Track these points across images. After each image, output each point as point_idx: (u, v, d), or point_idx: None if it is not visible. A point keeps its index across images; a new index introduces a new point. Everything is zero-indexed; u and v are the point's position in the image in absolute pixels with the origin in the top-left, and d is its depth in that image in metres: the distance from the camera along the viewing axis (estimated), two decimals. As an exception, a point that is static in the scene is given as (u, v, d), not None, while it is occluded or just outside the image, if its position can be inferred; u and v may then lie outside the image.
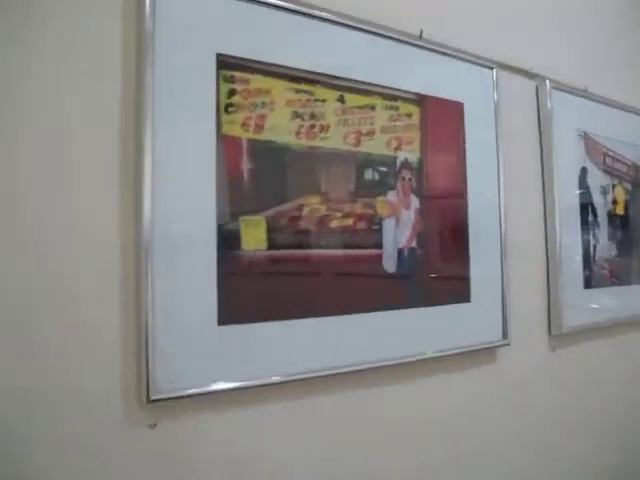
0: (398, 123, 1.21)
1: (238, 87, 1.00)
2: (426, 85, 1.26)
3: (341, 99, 1.12)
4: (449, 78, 1.31)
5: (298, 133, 1.06)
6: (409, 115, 1.23)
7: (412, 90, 1.23)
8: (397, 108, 1.21)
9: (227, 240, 0.97)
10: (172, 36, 0.93)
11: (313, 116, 1.08)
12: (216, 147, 0.96)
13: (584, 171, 1.69)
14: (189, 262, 0.92)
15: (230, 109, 0.98)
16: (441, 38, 1.30)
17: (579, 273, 1.64)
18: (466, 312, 1.30)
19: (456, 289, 1.30)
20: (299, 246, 1.05)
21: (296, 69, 1.06)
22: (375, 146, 1.17)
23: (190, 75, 0.94)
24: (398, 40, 1.22)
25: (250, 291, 0.99)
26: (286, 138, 1.05)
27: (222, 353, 0.95)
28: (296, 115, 1.06)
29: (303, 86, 1.07)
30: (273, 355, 1.00)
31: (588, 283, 1.66)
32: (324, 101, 1.10)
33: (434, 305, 1.24)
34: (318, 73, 1.09)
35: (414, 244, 1.22)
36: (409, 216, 1.21)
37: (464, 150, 1.32)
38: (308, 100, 1.08)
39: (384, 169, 1.19)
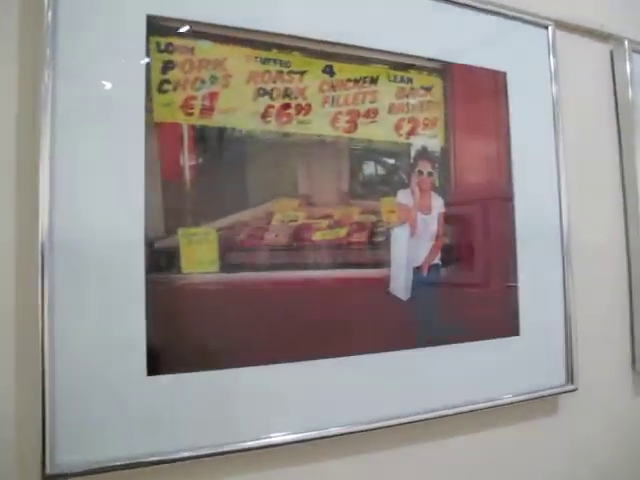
0: (411, 100, 0.91)
1: (177, 58, 0.75)
2: (452, 49, 0.95)
3: (329, 70, 0.85)
4: (485, 40, 1.00)
5: (265, 116, 0.79)
6: (427, 89, 0.93)
7: (431, 56, 0.93)
8: (409, 80, 0.91)
9: (161, 261, 0.72)
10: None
11: (288, 93, 0.81)
12: (145, 138, 0.71)
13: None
14: (105, 291, 0.68)
15: (165, 87, 0.74)
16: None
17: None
18: (514, 348, 0.98)
19: (499, 319, 0.98)
20: (266, 267, 0.79)
21: (262, 32, 0.80)
22: (378, 131, 0.88)
23: (108, 45, 0.70)
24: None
25: (194, 329, 0.74)
26: (248, 123, 0.78)
27: (152, 412, 0.70)
28: (262, 92, 0.80)
29: (273, 54, 0.81)
30: (226, 413, 0.74)
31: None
32: (304, 73, 0.83)
33: (468, 341, 0.93)
34: (296, 37, 0.82)
35: (437, 260, 0.91)
36: (430, 223, 0.91)
37: (508, 134, 1.00)
38: (280, 72, 0.81)
39: (392, 161, 0.90)
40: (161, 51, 0.74)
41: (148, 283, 0.70)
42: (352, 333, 0.84)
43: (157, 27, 0.74)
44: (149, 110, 0.72)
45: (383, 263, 0.86)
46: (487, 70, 0.99)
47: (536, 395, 0.98)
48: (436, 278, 0.91)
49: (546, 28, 1.05)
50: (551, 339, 1.02)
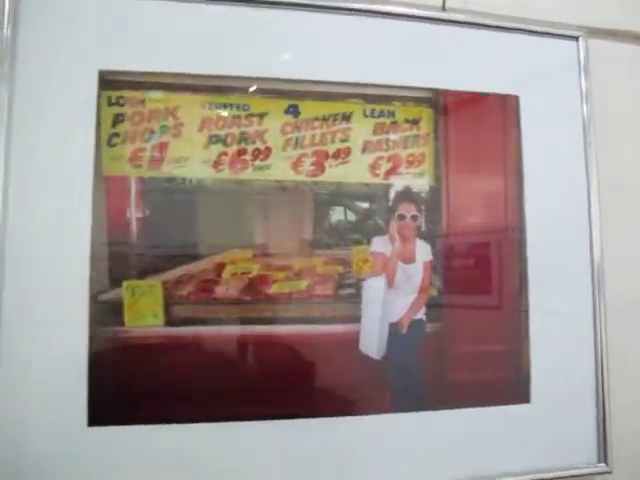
0: (392, 136, 0.82)
1: (128, 111, 0.75)
2: (446, 75, 0.84)
3: (293, 110, 0.79)
4: (490, 61, 0.87)
5: (217, 164, 0.76)
6: (414, 122, 0.83)
7: (420, 85, 0.83)
8: (391, 114, 0.82)
9: (104, 314, 0.72)
10: (36, 52, 0.72)
11: (244, 138, 0.77)
12: (92, 193, 0.72)
13: None
14: (48, 343, 0.70)
15: (114, 141, 0.74)
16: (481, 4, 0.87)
17: None
18: (522, 418, 0.83)
19: (502, 382, 0.84)
20: (215, 322, 0.76)
21: (217, 77, 0.77)
22: (350, 172, 0.80)
23: (59, 103, 0.72)
24: (398, 16, 0.83)
25: (138, 382, 0.73)
26: (198, 172, 0.76)
27: (91, 466, 0.70)
28: (215, 139, 0.77)
29: (230, 98, 0.78)
30: (169, 471, 0.72)
31: None
32: (264, 115, 0.78)
33: (457, 408, 0.81)
34: (256, 78, 0.78)
35: (421, 315, 0.81)
36: (413, 273, 0.81)
37: (520, 166, 0.86)
38: (237, 117, 0.77)
39: (365, 205, 0.82)
40: (112, 104, 0.74)
41: (91, 335, 0.71)
42: (315, 394, 0.77)
43: (108, 82, 0.74)
44: (98, 164, 0.73)
45: (352, 318, 0.79)
46: (493, 95, 0.86)
47: (552, 476, 0.83)
48: (418, 335, 0.81)
49: (575, 39, 0.89)
50: (576, 407, 0.85)
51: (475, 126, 0.86)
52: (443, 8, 0.86)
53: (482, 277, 0.84)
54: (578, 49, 0.89)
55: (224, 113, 0.77)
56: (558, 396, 0.85)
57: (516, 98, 0.86)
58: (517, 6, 0.87)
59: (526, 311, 0.84)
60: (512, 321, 0.84)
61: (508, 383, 0.84)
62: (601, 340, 0.86)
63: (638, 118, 0.93)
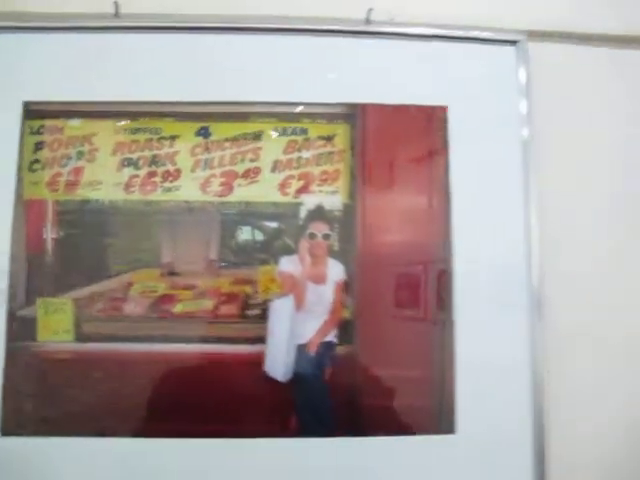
0: (304, 154, 0.81)
1: (47, 138, 0.80)
2: (366, 89, 0.82)
3: (204, 132, 0.81)
4: (418, 72, 0.83)
5: (129, 186, 0.80)
6: (327, 139, 0.81)
7: (335, 101, 0.82)
8: (304, 132, 0.81)
9: (19, 330, 0.77)
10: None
11: (155, 161, 0.80)
12: (13, 216, 0.78)
13: None
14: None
15: (35, 167, 0.80)
16: (408, 15, 0.83)
17: None
18: (447, 452, 0.78)
19: (420, 410, 0.79)
20: (124, 339, 0.78)
21: (133, 102, 0.80)
22: (259, 192, 0.80)
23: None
24: (318, 32, 0.82)
25: (50, 395, 0.77)
26: (111, 194, 0.80)
27: (6, 474, 0.75)
28: (127, 163, 0.80)
29: (142, 123, 0.81)
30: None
31: None
32: (175, 138, 0.80)
33: (371, 435, 0.77)
34: (168, 102, 0.81)
35: (332, 337, 0.79)
36: (324, 294, 0.79)
37: (446, 182, 0.81)
38: (148, 140, 0.80)
39: (274, 225, 0.81)
40: (33, 133, 0.80)
41: (8, 350, 0.76)
42: (217, 414, 0.77)
43: (33, 112, 0.80)
44: (20, 188, 0.79)
45: (258, 339, 0.78)
46: (418, 107, 0.82)
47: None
48: (328, 358, 0.78)
49: (513, 43, 0.83)
50: (512, 442, 0.78)
51: (397, 140, 0.82)
52: (367, 21, 0.83)
53: (400, 297, 0.80)
54: (518, 55, 0.82)
55: (137, 137, 0.80)
56: (489, 427, 0.78)
57: (443, 109, 0.82)
58: (446, 15, 0.83)
59: (450, 332, 0.78)
60: (434, 345, 0.79)
61: (428, 411, 0.79)
62: (539, 367, 0.78)
63: (581, 126, 0.84)
